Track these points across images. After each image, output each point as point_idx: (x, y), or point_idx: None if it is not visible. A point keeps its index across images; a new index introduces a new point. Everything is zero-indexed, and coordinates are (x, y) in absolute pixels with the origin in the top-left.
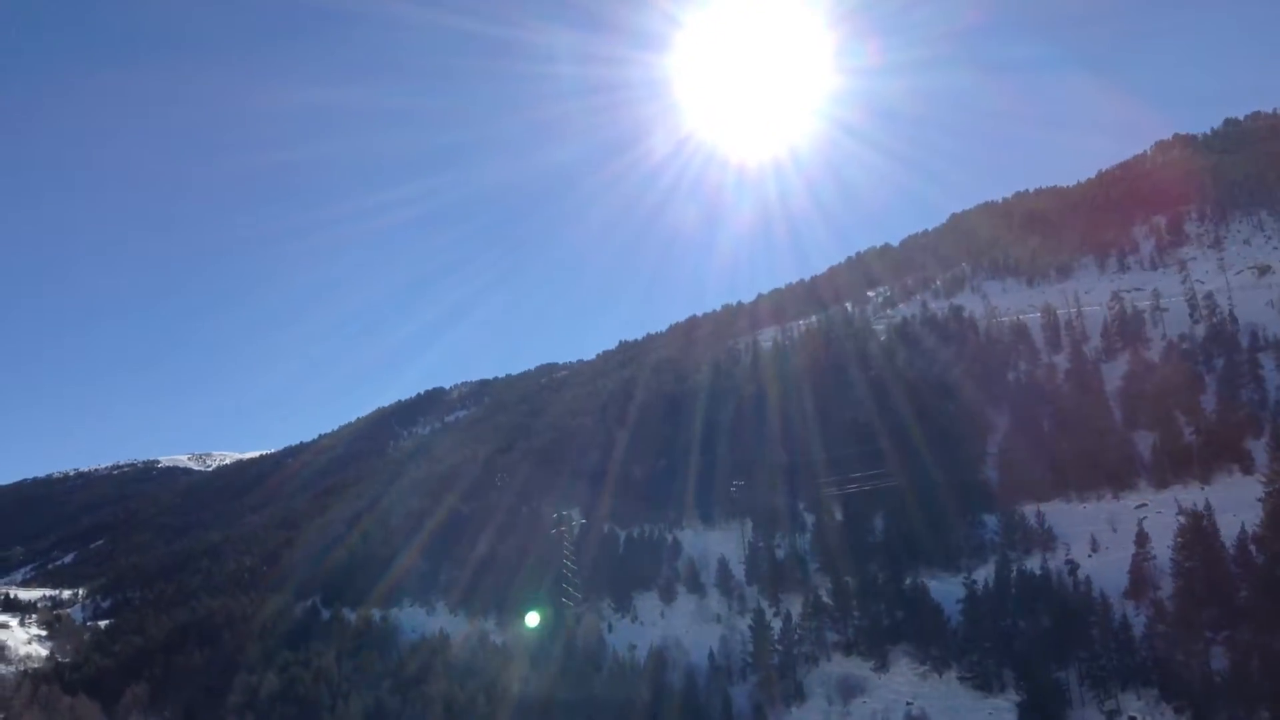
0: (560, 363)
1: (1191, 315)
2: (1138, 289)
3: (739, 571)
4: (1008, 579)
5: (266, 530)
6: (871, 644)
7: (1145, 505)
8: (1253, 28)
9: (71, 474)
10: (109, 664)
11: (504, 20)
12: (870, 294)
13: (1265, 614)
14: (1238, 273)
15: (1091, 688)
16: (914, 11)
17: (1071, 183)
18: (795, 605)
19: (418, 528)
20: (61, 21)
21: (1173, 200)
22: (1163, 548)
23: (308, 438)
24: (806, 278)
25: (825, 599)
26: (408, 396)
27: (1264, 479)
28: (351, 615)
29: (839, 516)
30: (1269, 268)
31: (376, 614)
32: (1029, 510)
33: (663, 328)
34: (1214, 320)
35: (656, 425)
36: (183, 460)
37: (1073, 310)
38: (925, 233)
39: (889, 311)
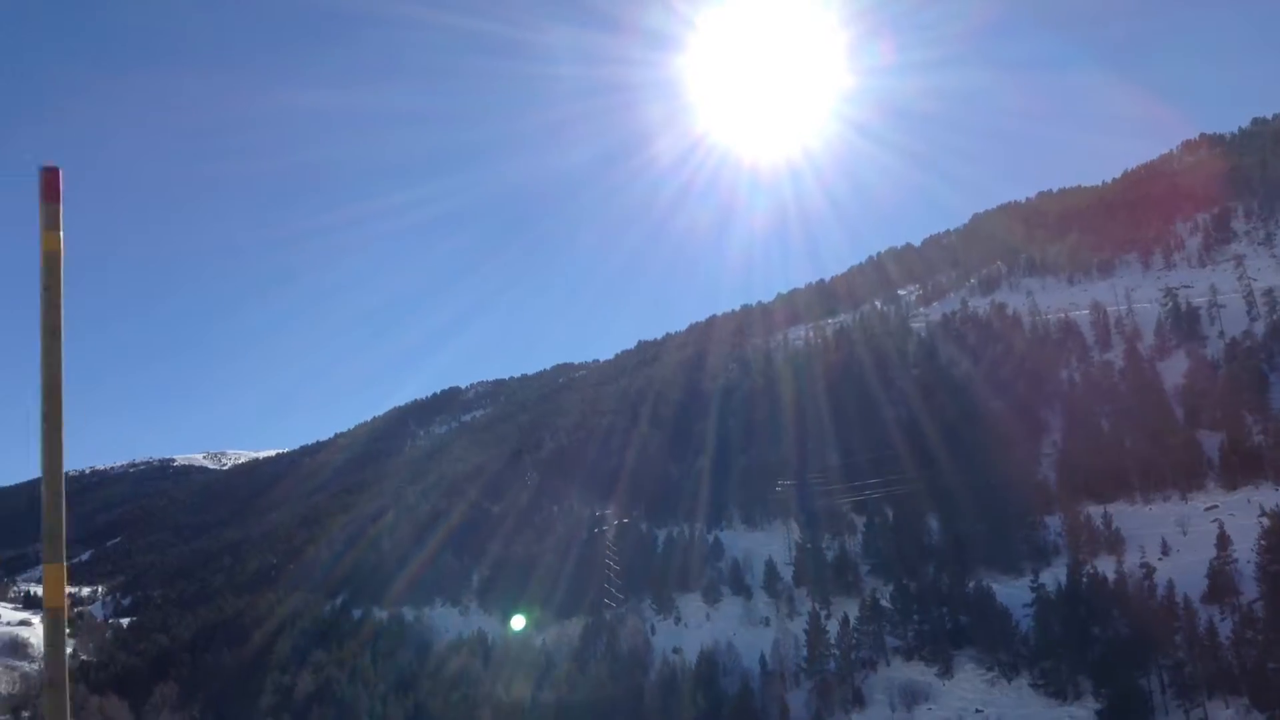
0: (576, 362)
1: (1249, 312)
2: (1187, 286)
3: (786, 573)
4: (1079, 582)
5: (287, 529)
6: (934, 649)
7: (1215, 507)
8: (1270, 25)
9: (87, 472)
10: (135, 662)
11: (515, 21)
12: (900, 293)
13: None
14: None
15: (1176, 696)
16: (928, 10)
17: (1090, 183)
18: (848, 608)
19: (445, 527)
20: (69, 24)
21: (1214, 198)
22: (1242, 550)
23: (323, 437)
24: (827, 278)
25: (884, 602)
26: (424, 396)
27: None
28: (382, 614)
29: (890, 518)
30: None
31: (408, 613)
32: (1094, 512)
33: (676, 329)
34: (1274, 317)
35: (689, 424)
36: (198, 459)
37: (1123, 308)
38: (947, 233)
39: (922, 310)
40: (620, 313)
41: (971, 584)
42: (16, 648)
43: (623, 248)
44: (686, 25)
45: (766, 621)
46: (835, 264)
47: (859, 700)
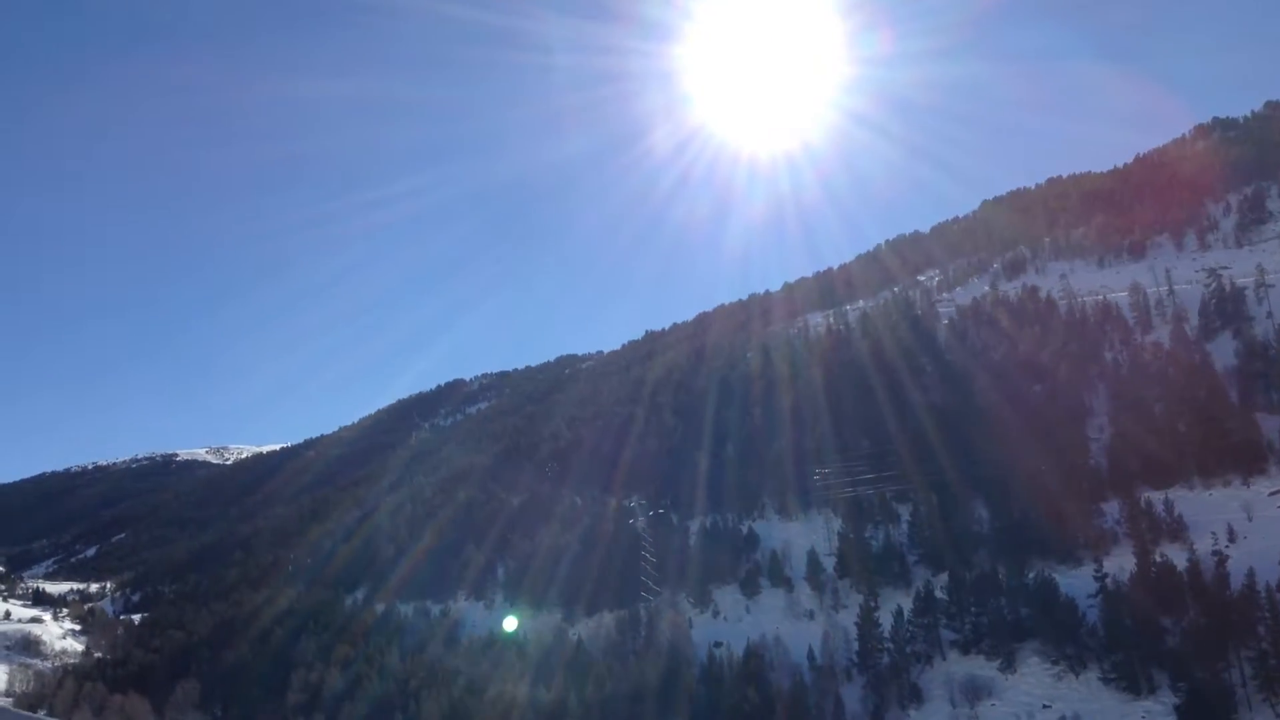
0: (580, 354)
1: None
2: (1225, 267)
3: (828, 565)
4: (1149, 571)
5: (297, 522)
6: (995, 642)
7: None
8: (1271, 12)
9: (90, 467)
10: (153, 659)
11: (511, 10)
12: (920, 279)
13: None
14: None
15: (1261, 688)
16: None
17: (1092, 171)
18: (897, 600)
19: (466, 520)
20: (61, 12)
21: (1243, 178)
22: None
23: (327, 430)
24: (835, 266)
25: (938, 593)
26: (427, 389)
27: None
28: (407, 609)
29: (935, 507)
30: None
31: (433, 608)
32: (1154, 498)
33: (676, 319)
34: None
35: (712, 412)
36: (201, 454)
37: (1163, 289)
38: (956, 220)
39: (945, 295)
40: (618, 304)
41: (1032, 574)
42: (29, 645)
43: (620, 240)
44: (684, 15)
45: (811, 614)
46: (833, 255)
47: (916, 696)
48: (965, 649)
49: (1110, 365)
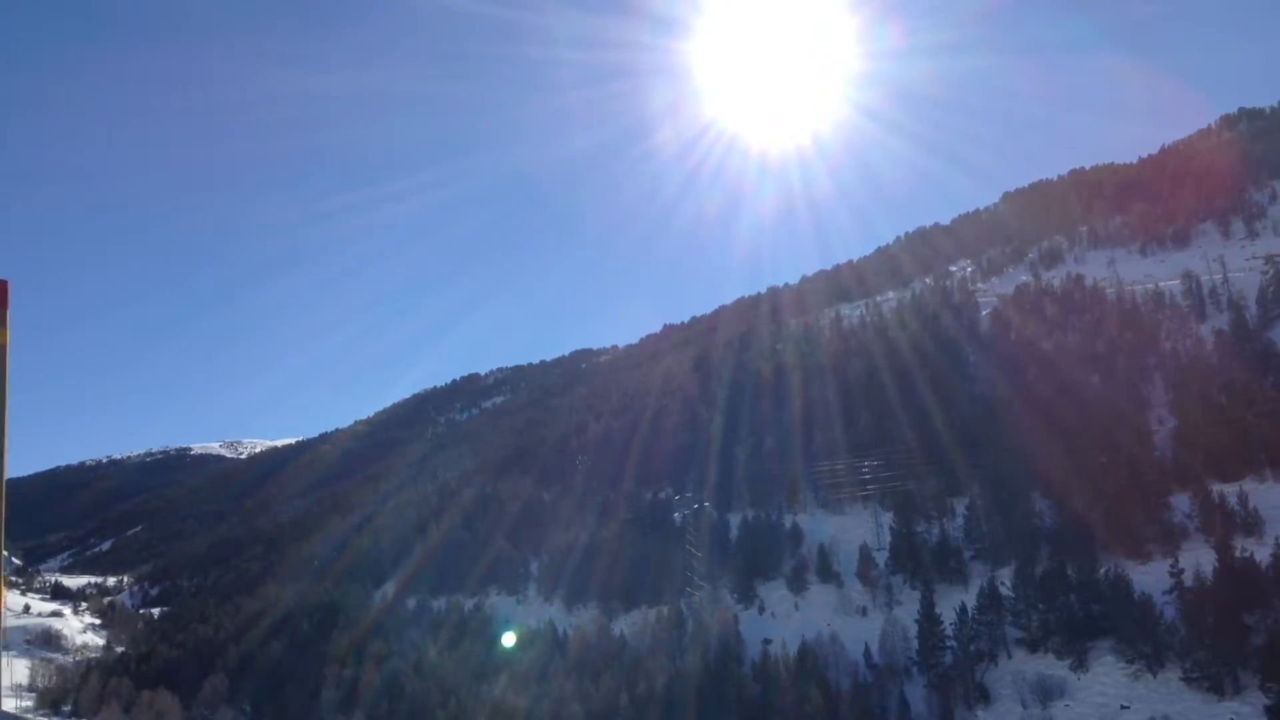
0: (595, 348)
1: None
2: (1277, 254)
3: (880, 560)
4: (1230, 566)
5: (317, 515)
6: (1065, 640)
7: None
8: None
9: (104, 461)
10: (178, 655)
11: (521, 5)
12: (951, 269)
13: None
14: None
15: None
16: None
17: (1115, 162)
18: (954, 597)
19: (494, 513)
20: (73, 2)
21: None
22: None
23: (341, 424)
24: (855, 258)
25: (1003, 589)
26: (442, 383)
27: None
28: (440, 603)
29: (991, 500)
30: None
31: (467, 603)
32: (1228, 491)
33: (688, 315)
34: None
35: (746, 404)
36: (214, 448)
37: (1216, 276)
38: (977, 212)
39: (980, 285)
40: (629, 299)
41: (1104, 569)
42: (50, 639)
43: (632, 234)
44: (694, 10)
45: (864, 611)
46: (844, 251)
47: (983, 696)
48: (1033, 647)
49: (1169, 355)
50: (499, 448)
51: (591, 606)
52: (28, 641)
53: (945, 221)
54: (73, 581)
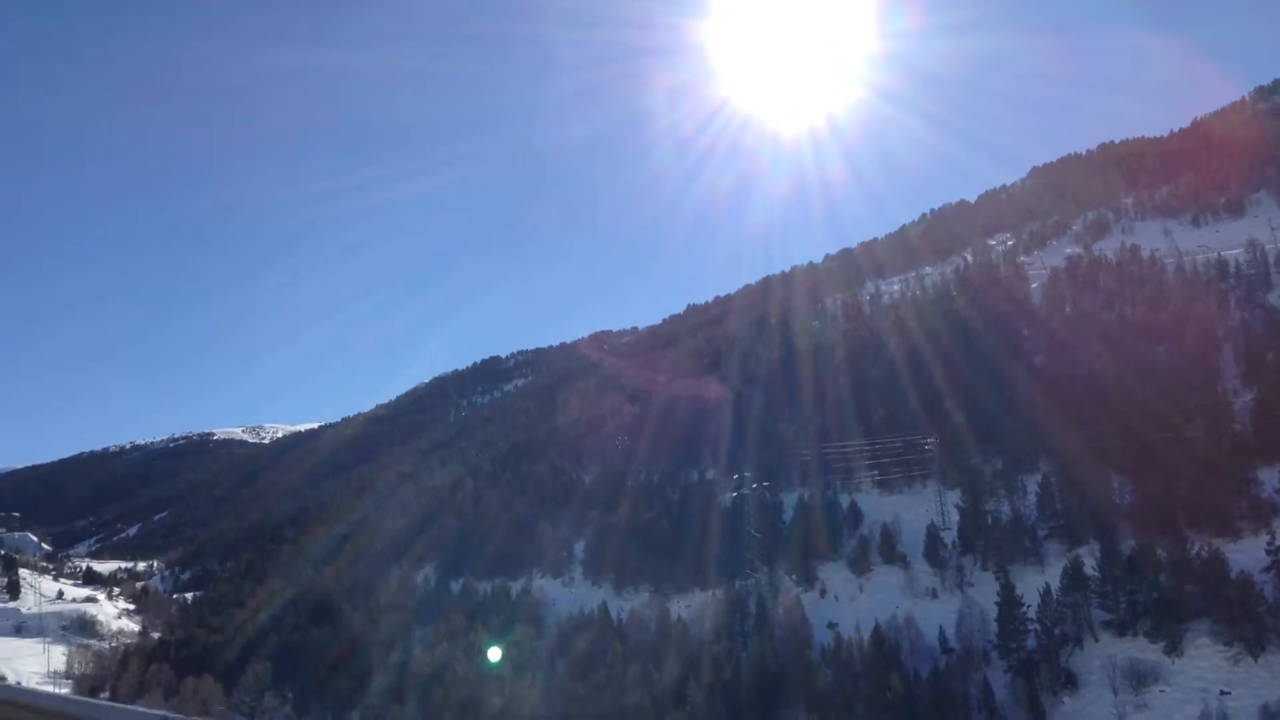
0: (613, 329)
1: None
2: None
3: (947, 540)
4: None
5: (348, 498)
6: (1156, 622)
7: None
8: None
9: (128, 447)
10: (217, 640)
11: None
12: (990, 242)
13: None
14: None
15: None
16: None
17: (1145, 136)
18: (1027, 578)
19: (535, 495)
20: None
21: None
22: None
23: (363, 408)
24: (880, 235)
25: (1088, 569)
26: (462, 366)
27: None
28: (485, 586)
29: (1064, 477)
30: None
31: (514, 586)
32: None
33: (702, 297)
34: None
35: (790, 381)
36: (237, 433)
37: None
38: (1004, 188)
39: (1024, 259)
40: (643, 281)
41: (1195, 548)
42: (85, 625)
43: (647, 215)
44: None
45: (933, 593)
46: (858, 232)
47: (1070, 681)
48: (1120, 630)
49: (1238, 325)
50: (529, 429)
51: (642, 590)
52: (63, 628)
53: (964, 200)
54: (103, 567)
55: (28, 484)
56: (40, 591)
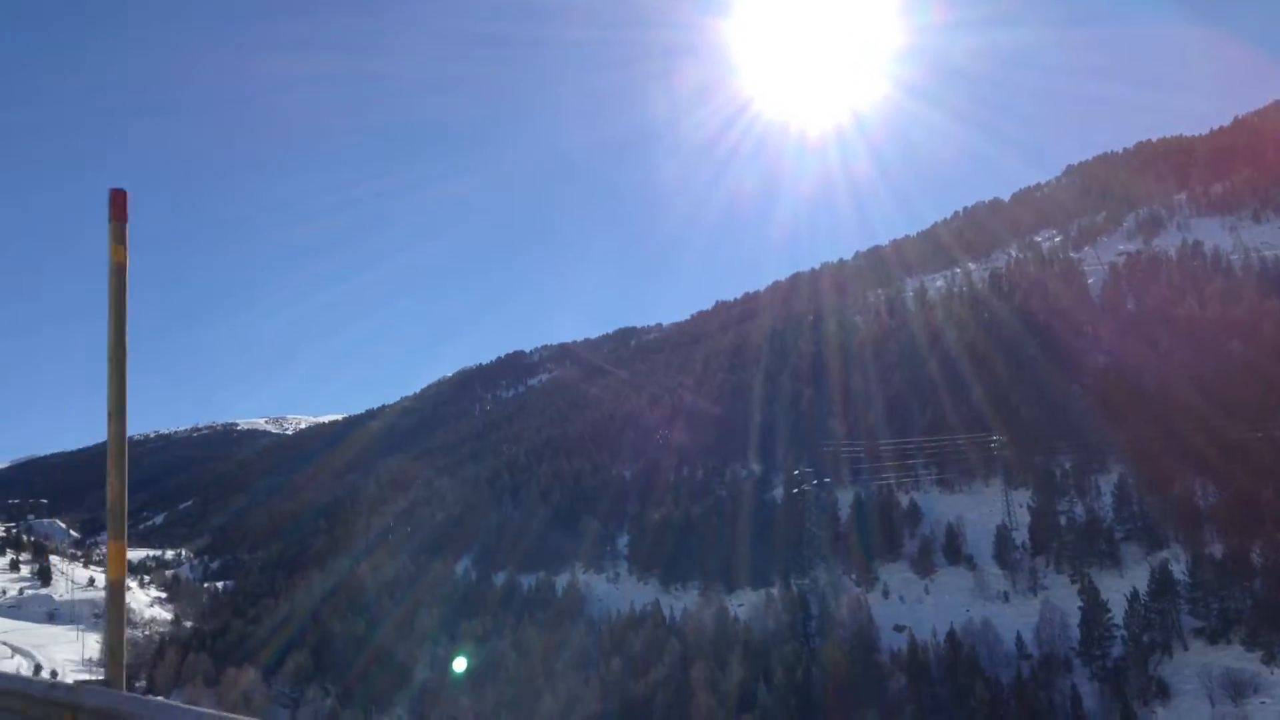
0: (639, 326)
1: None
2: None
3: (1017, 541)
4: None
5: (379, 490)
6: (1251, 630)
7: None
8: None
9: (152, 436)
10: (255, 630)
11: None
12: (1037, 239)
13: None
14: None
15: None
16: None
17: (1183, 134)
18: (1104, 582)
19: (574, 489)
20: None
21: None
22: None
23: (388, 400)
24: (913, 233)
25: (1178, 574)
26: (486, 360)
27: None
28: (529, 581)
29: (1141, 478)
30: None
31: (560, 581)
32: None
33: (728, 295)
34: None
35: (838, 378)
36: (260, 423)
37: None
38: (1040, 185)
39: (1074, 255)
40: (671, 277)
41: None
42: None
43: (671, 214)
44: None
45: (1005, 596)
46: (884, 230)
47: (1163, 690)
48: (1212, 638)
49: None
50: (562, 424)
51: (690, 587)
52: (95, 615)
53: (997, 198)
54: (131, 554)
55: (53, 471)
56: (71, 579)
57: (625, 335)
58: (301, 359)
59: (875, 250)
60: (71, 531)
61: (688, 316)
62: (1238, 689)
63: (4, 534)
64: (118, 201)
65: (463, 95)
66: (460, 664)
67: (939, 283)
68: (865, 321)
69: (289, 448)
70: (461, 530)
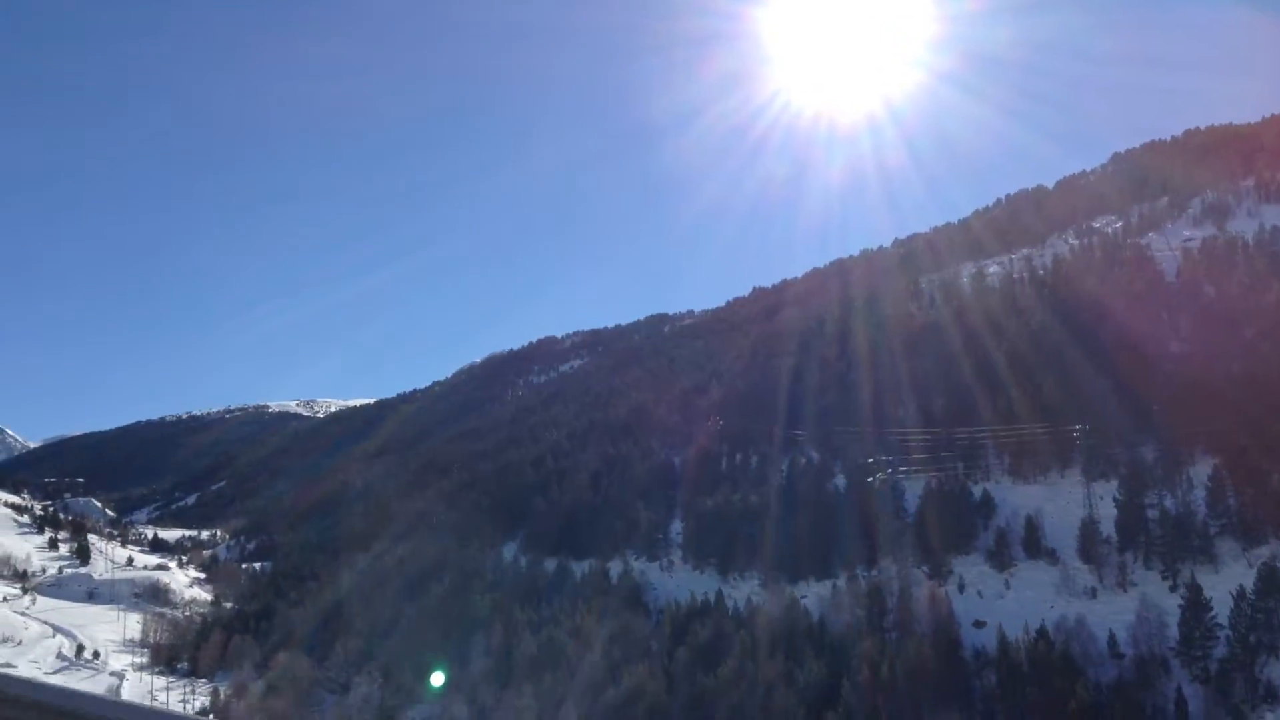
0: (670, 313)
1: None
2: None
3: (1102, 535)
4: None
5: (414, 473)
6: None
7: None
8: None
9: (184, 417)
10: (299, 613)
11: None
12: (1094, 224)
13: None
14: None
15: None
16: None
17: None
18: (1199, 579)
19: (621, 475)
20: None
21: None
22: None
23: (419, 385)
24: (954, 220)
25: None
26: (517, 346)
27: None
28: (581, 568)
29: (1236, 470)
30: None
31: (613, 568)
32: None
33: (758, 282)
34: None
35: (896, 365)
36: (291, 406)
37: None
38: (1085, 173)
39: (1139, 240)
40: (701, 265)
41: None
42: (158, 593)
43: (701, 201)
44: None
45: (1093, 593)
46: (917, 220)
47: (1271, 694)
48: None
49: None
50: (604, 409)
51: (749, 577)
52: (136, 595)
53: (1040, 185)
54: (167, 534)
55: (85, 451)
56: (110, 558)
57: (658, 321)
58: (332, 345)
59: (915, 237)
60: (107, 510)
61: (720, 303)
62: None
63: (42, 512)
64: None
65: (497, 83)
66: (438, 678)
67: (992, 269)
68: (920, 307)
69: (321, 431)
70: (506, 515)
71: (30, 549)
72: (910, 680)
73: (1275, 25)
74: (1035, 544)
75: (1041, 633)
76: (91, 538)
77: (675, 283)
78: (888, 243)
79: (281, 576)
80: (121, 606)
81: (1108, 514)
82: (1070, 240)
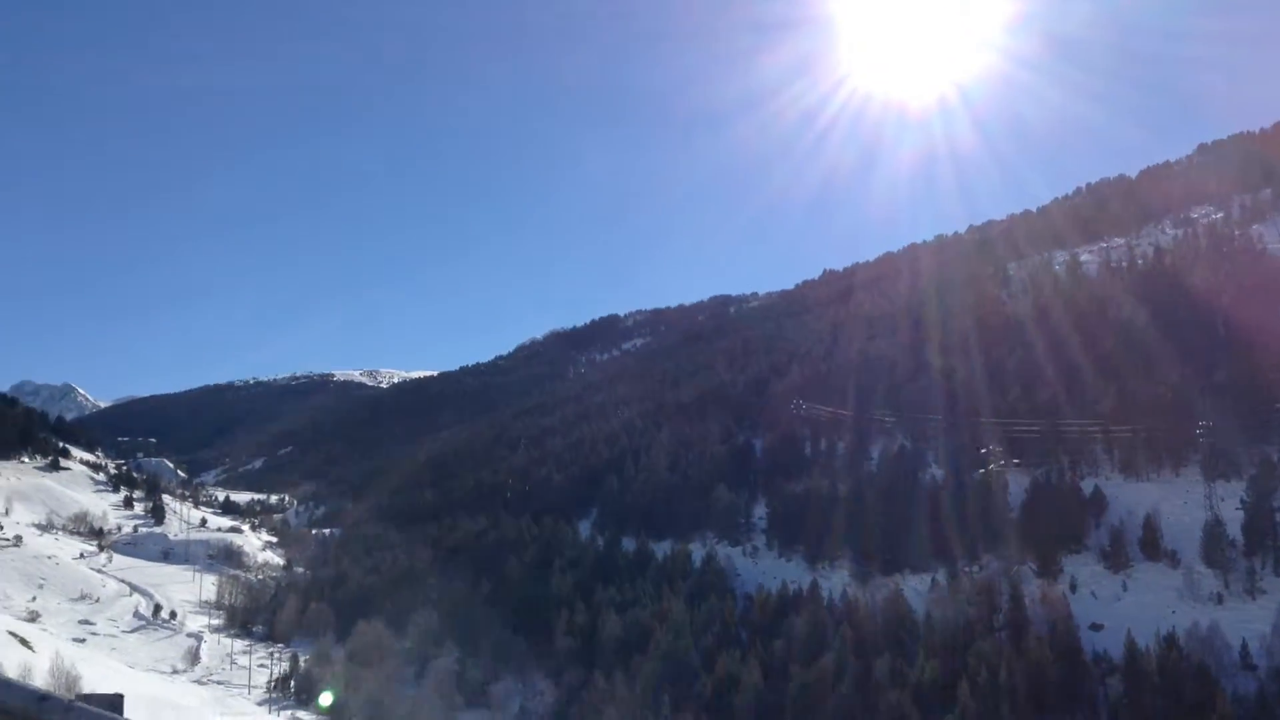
0: (733, 294)
1: None
2: None
3: (1228, 537)
4: None
5: (485, 446)
6: None
7: None
8: None
9: (250, 382)
10: (374, 581)
11: None
12: (1194, 214)
13: None
14: None
15: None
16: None
17: None
18: None
19: (699, 456)
20: None
21: None
22: None
23: (483, 358)
24: (1034, 208)
25: None
26: (580, 323)
27: None
28: (662, 548)
29: None
30: None
31: (696, 551)
32: None
33: (825, 266)
34: None
35: (994, 353)
36: (355, 375)
37: None
38: (1169, 164)
39: (1246, 232)
40: (764, 248)
41: None
42: (231, 555)
43: (763, 187)
44: None
45: (1218, 598)
46: (990, 207)
47: None
48: None
49: None
50: (674, 388)
51: (839, 567)
52: (210, 556)
53: (1123, 175)
54: (238, 497)
55: (153, 413)
56: (184, 519)
57: (722, 302)
58: (398, 318)
59: (990, 224)
60: (179, 471)
61: (786, 286)
62: None
63: (116, 471)
64: None
65: (563, 76)
66: (326, 699)
67: (1084, 257)
68: (1011, 295)
69: (385, 400)
70: (579, 491)
71: (106, 507)
72: (1031, 683)
73: None
74: (1154, 544)
75: (1170, 639)
76: (165, 498)
77: (737, 265)
78: (971, 225)
79: (353, 543)
80: (197, 567)
81: (1229, 515)
82: (1168, 230)
